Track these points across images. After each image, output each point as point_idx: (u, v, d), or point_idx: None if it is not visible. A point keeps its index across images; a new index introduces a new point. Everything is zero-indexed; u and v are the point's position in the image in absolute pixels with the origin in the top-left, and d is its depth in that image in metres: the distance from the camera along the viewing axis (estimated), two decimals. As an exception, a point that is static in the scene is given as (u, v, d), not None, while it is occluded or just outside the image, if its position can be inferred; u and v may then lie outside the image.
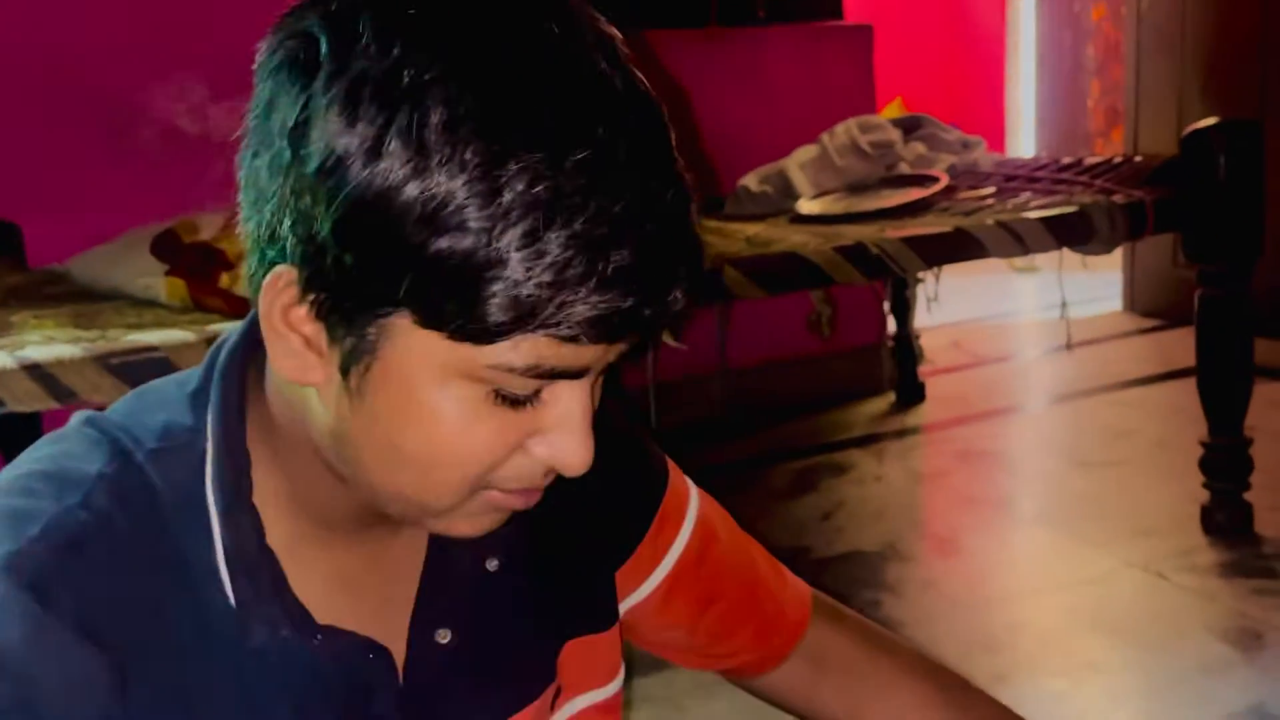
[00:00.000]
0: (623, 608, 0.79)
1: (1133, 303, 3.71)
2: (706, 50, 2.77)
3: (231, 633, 0.59)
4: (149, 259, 1.65)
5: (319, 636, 0.61)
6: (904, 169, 2.28)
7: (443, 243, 0.49)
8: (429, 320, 0.51)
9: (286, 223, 0.53)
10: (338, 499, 0.61)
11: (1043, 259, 4.42)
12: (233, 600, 0.59)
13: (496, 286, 0.50)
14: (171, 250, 1.64)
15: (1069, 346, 2.84)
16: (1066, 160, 2.21)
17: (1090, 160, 2.16)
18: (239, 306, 1.50)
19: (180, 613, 0.58)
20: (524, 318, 0.51)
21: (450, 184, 0.49)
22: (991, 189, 2.10)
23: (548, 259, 0.50)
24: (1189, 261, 2.03)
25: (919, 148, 2.37)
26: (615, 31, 0.55)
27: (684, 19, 2.80)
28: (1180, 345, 3.29)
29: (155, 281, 1.62)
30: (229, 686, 0.59)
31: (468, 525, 0.60)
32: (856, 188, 2.21)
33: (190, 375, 0.64)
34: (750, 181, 2.33)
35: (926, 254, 1.78)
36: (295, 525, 0.62)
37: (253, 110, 0.55)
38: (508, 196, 0.49)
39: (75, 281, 1.79)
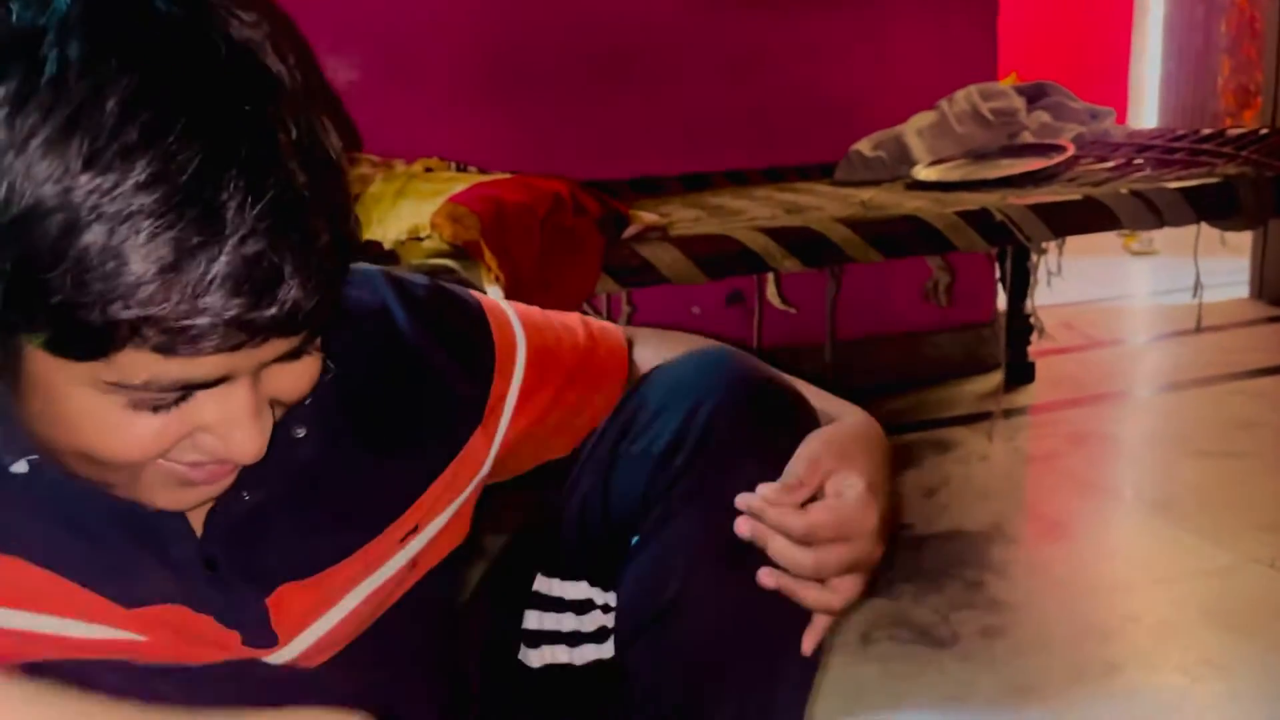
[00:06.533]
0: (489, 462, 0.80)
1: (1261, 290, 3.53)
2: (822, 11, 2.69)
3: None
4: None
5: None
6: (1027, 138, 2.19)
7: (15, 254, 0.49)
8: (30, 335, 0.52)
9: None
10: None
11: (1162, 241, 4.25)
12: None
13: (73, 302, 0.49)
14: None
15: (1199, 329, 2.70)
16: (1206, 131, 2.09)
17: (1234, 132, 2.04)
18: None
19: None
20: (105, 335, 0.50)
21: (29, 185, 0.49)
22: (1122, 159, 2.00)
23: (124, 277, 0.49)
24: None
25: (1043, 116, 2.28)
26: (241, 28, 0.54)
27: (801, -21, 2.73)
28: (1313, 335, 3.13)
29: None
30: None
31: (167, 499, 0.62)
32: (976, 155, 2.13)
33: None
34: (864, 147, 2.27)
35: (1054, 223, 1.70)
36: None
37: None
38: (84, 203, 0.48)
39: None
